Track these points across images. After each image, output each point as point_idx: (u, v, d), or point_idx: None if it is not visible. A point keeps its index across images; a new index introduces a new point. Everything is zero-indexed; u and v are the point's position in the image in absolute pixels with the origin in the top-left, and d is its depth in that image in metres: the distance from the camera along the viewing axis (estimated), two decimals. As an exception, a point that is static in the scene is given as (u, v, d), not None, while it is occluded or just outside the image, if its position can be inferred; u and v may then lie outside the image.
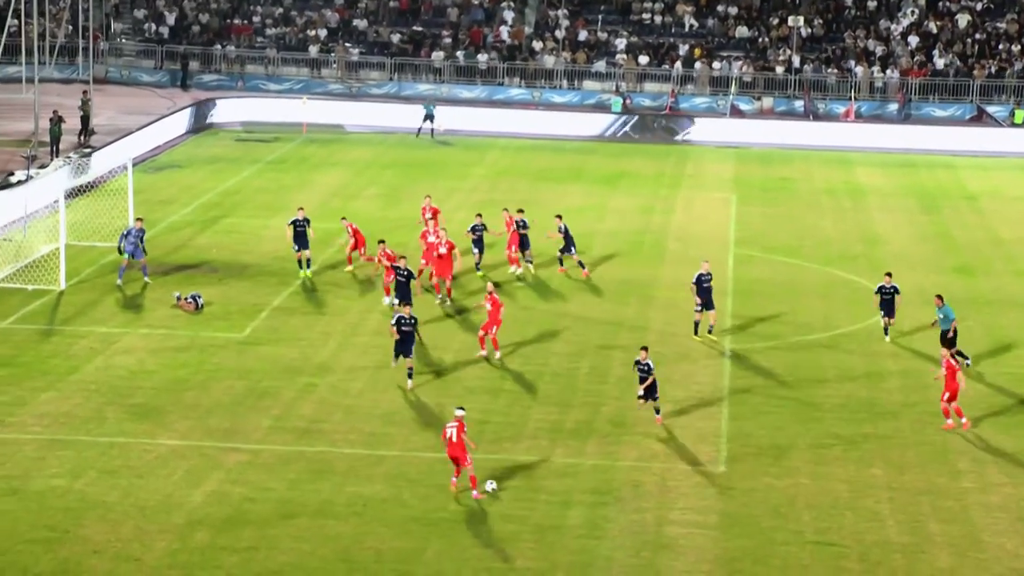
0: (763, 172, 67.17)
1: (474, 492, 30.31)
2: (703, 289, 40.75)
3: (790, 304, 44.71)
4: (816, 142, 74.24)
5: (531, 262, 46.97)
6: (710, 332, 40.98)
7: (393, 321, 36.18)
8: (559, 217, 47.70)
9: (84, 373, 37.13)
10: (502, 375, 37.86)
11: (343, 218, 47.50)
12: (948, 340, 38.66)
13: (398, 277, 40.66)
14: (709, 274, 40.92)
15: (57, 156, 62.89)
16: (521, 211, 47.20)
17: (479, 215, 47.69)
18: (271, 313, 42.60)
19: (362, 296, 44.30)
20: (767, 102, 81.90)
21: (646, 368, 34.12)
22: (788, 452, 33.47)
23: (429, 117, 72.73)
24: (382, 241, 43.99)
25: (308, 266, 46.10)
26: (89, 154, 60.42)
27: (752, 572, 27.85)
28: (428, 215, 48.10)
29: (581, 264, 47.10)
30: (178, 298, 42.33)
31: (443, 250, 43.53)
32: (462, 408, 31.21)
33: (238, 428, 33.84)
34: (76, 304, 42.84)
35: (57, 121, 63.99)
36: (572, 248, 47.08)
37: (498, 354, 39.22)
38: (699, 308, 40.79)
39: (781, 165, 69.01)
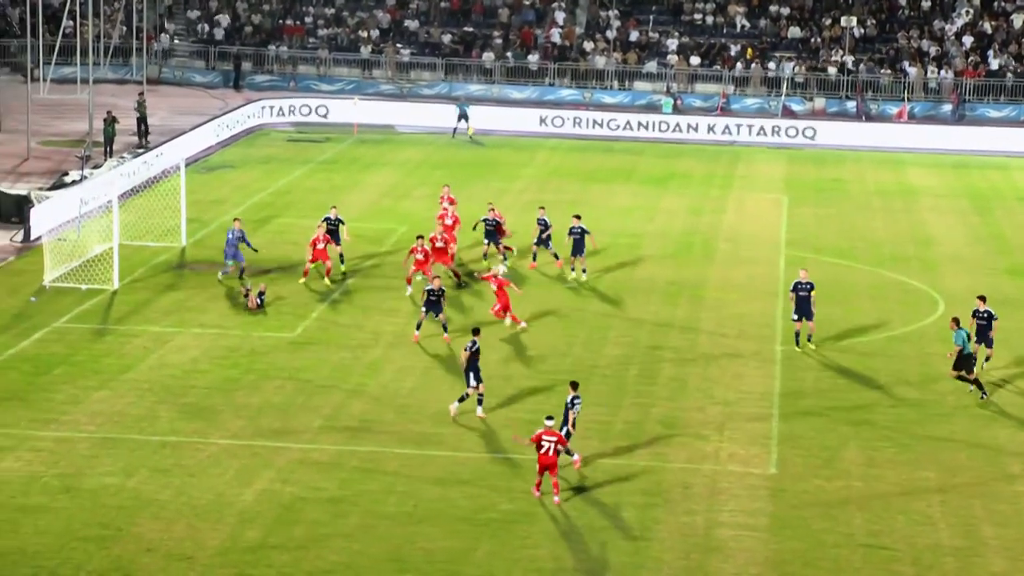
0: (815, 173, 66.89)
1: (556, 498, 30.13)
2: (801, 298, 39.78)
3: (841, 306, 44.47)
4: (868, 143, 73.89)
5: (584, 270, 46.57)
6: (809, 341, 40.21)
7: (465, 347, 35.32)
8: (542, 208, 47.55)
9: (137, 372, 37.35)
10: (552, 376, 37.87)
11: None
12: (966, 364, 36.96)
13: (429, 296, 39.85)
14: (809, 283, 39.87)
15: (111, 156, 63.32)
16: (578, 216, 46.85)
17: (492, 208, 47.73)
18: (322, 313, 42.76)
19: (414, 296, 44.34)
20: (819, 103, 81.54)
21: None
22: (839, 454, 33.32)
23: (463, 116, 72.82)
24: (420, 236, 44.14)
25: (341, 261, 46.19)
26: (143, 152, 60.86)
27: (802, 575, 27.73)
28: (446, 203, 48.25)
29: (556, 255, 47.06)
30: (261, 294, 42.65)
31: (448, 221, 45.40)
32: (551, 417, 30.69)
33: (289, 427, 33.98)
34: (129, 303, 43.11)
35: (111, 122, 64.41)
36: (548, 243, 46.76)
37: (523, 324, 41.09)
38: (796, 318, 39.86)
39: (833, 166, 68.70)
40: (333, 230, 46.18)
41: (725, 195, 61.24)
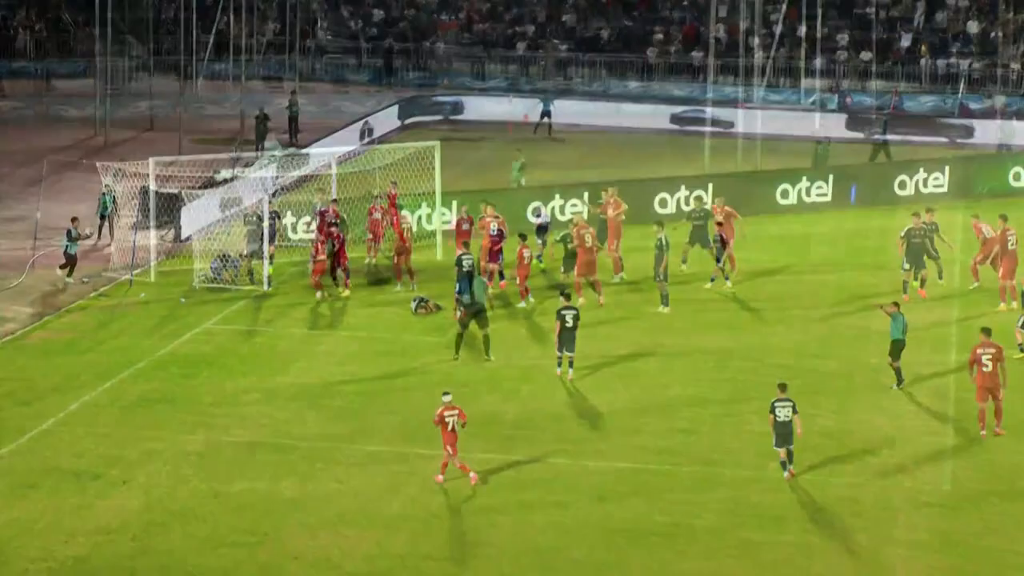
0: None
1: (439, 476, 30.43)
2: (914, 245, 39.87)
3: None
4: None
5: (727, 277, 45.05)
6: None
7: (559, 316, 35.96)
8: (720, 224, 45.09)
9: (286, 375, 37.08)
10: (711, 385, 36.86)
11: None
12: (895, 351, 36.17)
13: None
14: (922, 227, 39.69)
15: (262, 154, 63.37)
16: (720, 223, 45.39)
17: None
18: (474, 316, 42.12)
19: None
20: (999, 101, 78.89)
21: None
22: (1017, 473, 31.83)
23: (546, 113, 71.88)
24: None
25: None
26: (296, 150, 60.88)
27: (978, 599, 26.49)
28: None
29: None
30: (427, 304, 42.37)
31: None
32: (448, 392, 30.83)
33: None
34: (278, 305, 42.98)
35: (263, 119, 64.55)
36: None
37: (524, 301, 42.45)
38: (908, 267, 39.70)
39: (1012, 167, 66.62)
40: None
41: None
